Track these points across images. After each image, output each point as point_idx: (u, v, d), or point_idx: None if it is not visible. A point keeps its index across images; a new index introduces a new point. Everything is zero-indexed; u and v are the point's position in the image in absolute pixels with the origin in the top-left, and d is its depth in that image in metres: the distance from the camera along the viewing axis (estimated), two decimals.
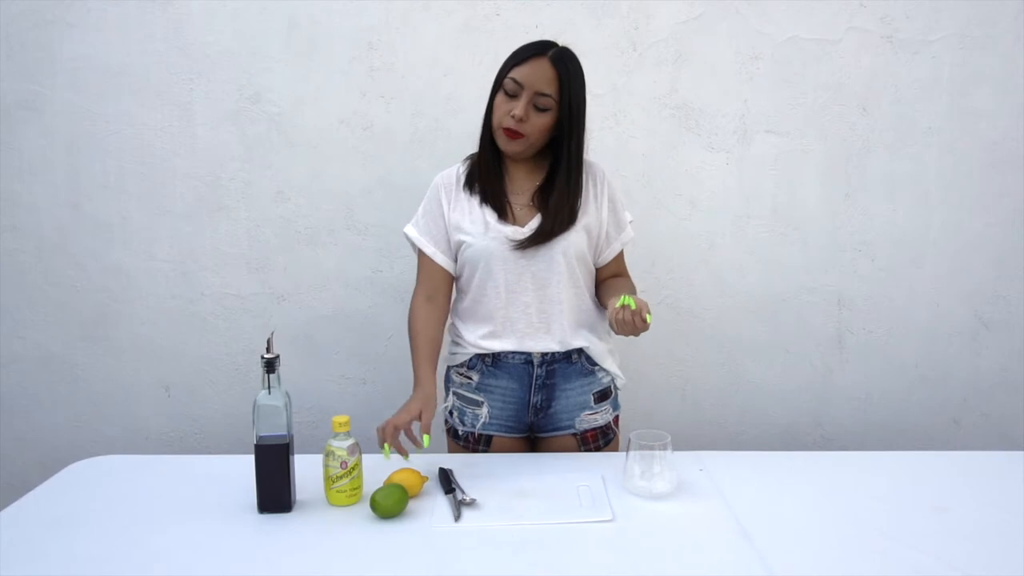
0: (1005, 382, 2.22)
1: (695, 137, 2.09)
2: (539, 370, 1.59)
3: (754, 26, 2.04)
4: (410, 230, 1.62)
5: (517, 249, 1.52)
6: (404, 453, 1.42)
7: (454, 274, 1.63)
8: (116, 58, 2.02)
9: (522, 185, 1.58)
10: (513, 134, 1.48)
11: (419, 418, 1.43)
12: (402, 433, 1.41)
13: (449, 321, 1.67)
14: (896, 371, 2.21)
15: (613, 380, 1.67)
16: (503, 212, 1.54)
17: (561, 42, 1.51)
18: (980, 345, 2.21)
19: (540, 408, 1.62)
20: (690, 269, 2.15)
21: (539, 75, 1.46)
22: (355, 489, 1.37)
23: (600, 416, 1.64)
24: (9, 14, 2.00)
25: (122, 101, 2.04)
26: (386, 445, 1.39)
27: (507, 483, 1.45)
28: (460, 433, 1.64)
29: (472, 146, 1.62)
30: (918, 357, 2.21)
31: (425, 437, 1.42)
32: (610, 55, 2.04)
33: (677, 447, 1.41)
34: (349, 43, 2.03)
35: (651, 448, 1.40)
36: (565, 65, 1.48)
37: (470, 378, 1.62)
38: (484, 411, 1.61)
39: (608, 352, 1.65)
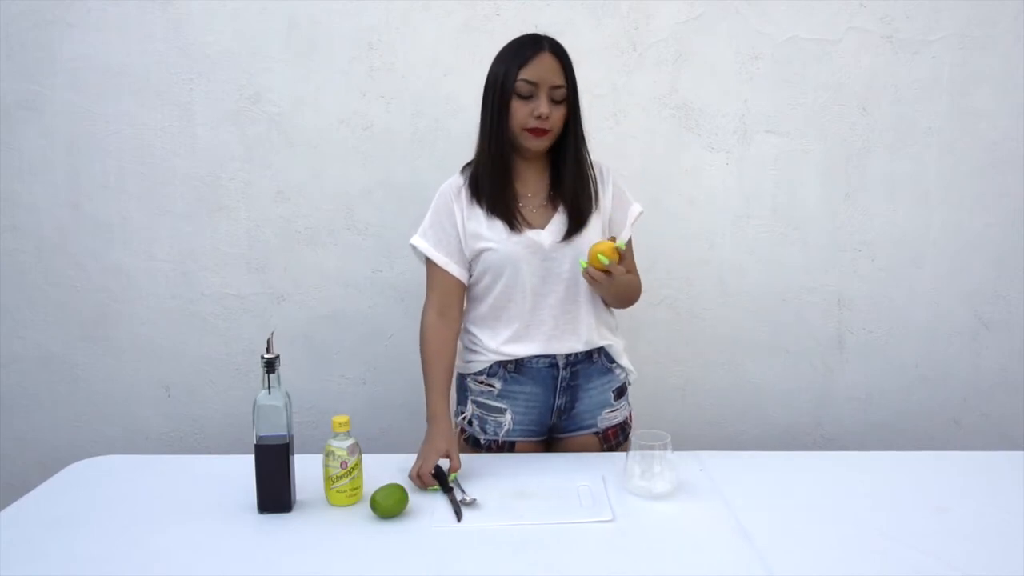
0: (1005, 382, 2.22)
1: (695, 137, 2.09)
2: (564, 372, 1.58)
3: (754, 26, 2.04)
4: (419, 242, 1.57)
5: (539, 253, 1.52)
6: (433, 486, 1.43)
7: (466, 284, 1.60)
8: (116, 58, 2.02)
9: (536, 185, 1.57)
10: (540, 132, 1.48)
11: (446, 455, 1.44)
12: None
13: (461, 327, 1.64)
14: (896, 371, 2.21)
15: (627, 376, 1.67)
16: (513, 223, 1.51)
17: (561, 41, 1.51)
18: (980, 345, 2.21)
19: (564, 410, 1.61)
20: (690, 269, 2.15)
21: (548, 70, 1.47)
22: (355, 489, 1.37)
23: (619, 413, 1.65)
24: (9, 14, 2.00)
25: (122, 101, 2.04)
26: (431, 488, 1.42)
27: (507, 483, 1.45)
28: (483, 442, 1.62)
29: (472, 147, 1.60)
30: (918, 357, 2.21)
31: (452, 475, 1.43)
32: (610, 55, 2.04)
33: (677, 447, 1.41)
34: (349, 43, 2.03)
35: (651, 448, 1.40)
36: (562, 52, 1.50)
37: (492, 386, 1.59)
38: (507, 418, 1.59)
39: (623, 349, 1.65)
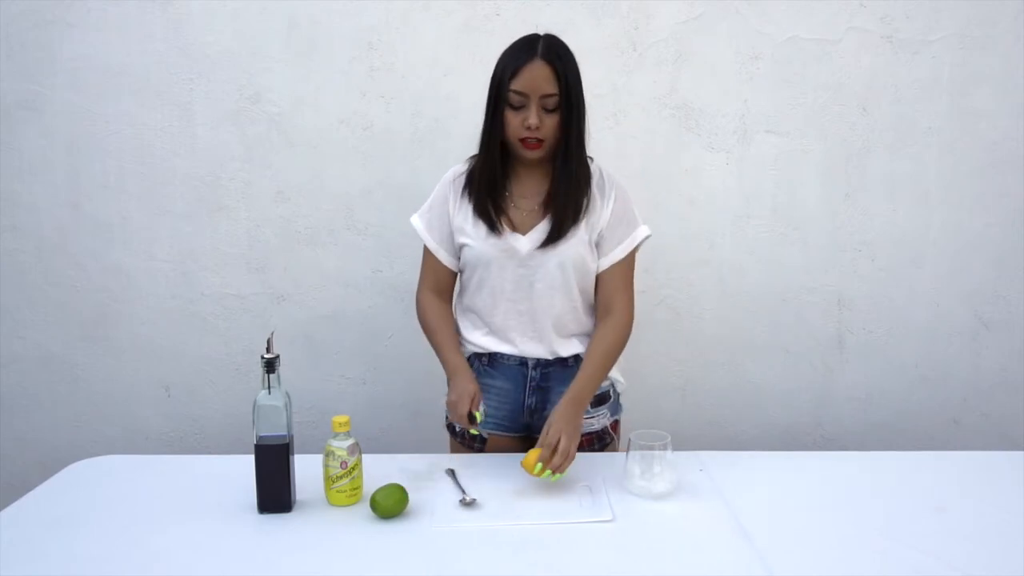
0: (1005, 382, 2.22)
1: (695, 137, 2.09)
2: (533, 372, 1.59)
3: (754, 26, 2.04)
4: (416, 221, 1.62)
5: (515, 258, 1.52)
6: (474, 427, 1.47)
7: (455, 271, 1.63)
8: (116, 58, 2.02)
9: (533, 188, 1.55)
10: (533, 143, 1.47)
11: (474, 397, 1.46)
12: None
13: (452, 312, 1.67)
14: (896, 371, 2.21)
15: (612, 385, 1.65)
16: (493, 226, 1.52)
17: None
18: (980, 345, 2.21)
19: (535, 410, 1.61)
20: (690, 269, 2.15)
21: (538, 79, 1.43)
22: (355, 489, 1.37)
23: (596, 420, 1.62)
24: (9, 14, 2.00)
25: (122, 101, 2.04)
26: (473, 430, 1.48)
27: (507, 483, 1.45)
28: (457, 430, 1.64)
29: (472, 146, 1.60)
30: (918, 357, 2.21)
31: (477, 413, 1.45)
32: (610, 55, 2.04)
33: (677, 447, 1.41)
34: (349, 43, 2.03)
35: (651, 448, 1.40)
36: (558, 57, 1.45)
37: None
38: (480, 410, 1.60)
39: None
